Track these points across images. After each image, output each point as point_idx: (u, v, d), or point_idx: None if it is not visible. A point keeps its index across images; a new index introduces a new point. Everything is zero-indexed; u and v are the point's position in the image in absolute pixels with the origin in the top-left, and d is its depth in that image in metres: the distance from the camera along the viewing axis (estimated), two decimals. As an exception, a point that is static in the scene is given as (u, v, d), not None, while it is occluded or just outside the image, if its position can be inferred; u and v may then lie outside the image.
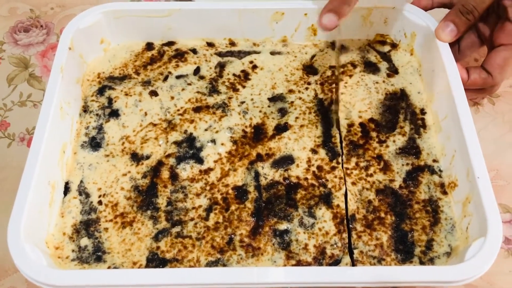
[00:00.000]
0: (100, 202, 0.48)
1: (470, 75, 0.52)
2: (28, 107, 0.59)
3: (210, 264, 0.44)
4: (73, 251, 0.45)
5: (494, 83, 0.53)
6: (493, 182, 0.53)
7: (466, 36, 0.55)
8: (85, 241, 0.45)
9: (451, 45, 0.53)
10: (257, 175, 0.49)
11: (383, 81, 0.55)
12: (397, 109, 0.53)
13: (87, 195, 0.48)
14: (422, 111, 0.53)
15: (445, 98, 0.50)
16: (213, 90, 0.55)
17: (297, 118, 0.53)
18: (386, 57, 0.58)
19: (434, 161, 0.50)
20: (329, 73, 0.56)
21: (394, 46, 0.59)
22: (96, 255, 0.45)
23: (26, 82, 0.61)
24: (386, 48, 0.59)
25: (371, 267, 0.43)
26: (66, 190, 0.48)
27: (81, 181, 0.49)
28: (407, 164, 0.50)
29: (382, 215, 0.47)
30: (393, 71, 0.57)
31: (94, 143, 0.51)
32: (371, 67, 0.57)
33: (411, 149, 0.50)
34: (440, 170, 0.49)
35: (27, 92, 0.60)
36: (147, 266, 0.44)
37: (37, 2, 0.69)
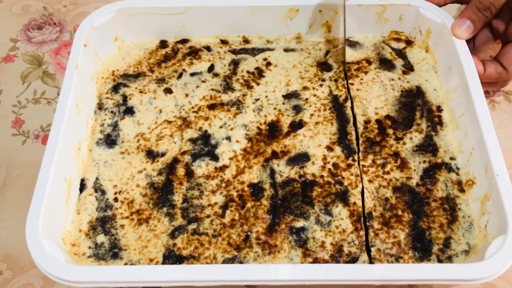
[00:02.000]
0: (116, 199, 0.48)
1: (485, 68, 0.52)
2: (42, 104, 0.59)
3: (226, 261, 0.44)
4: (89, 247, 0.45)
5: (508, 77, 0.53)
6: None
7: (480, 32, 0.55)
8: (101, 238, 0.45)
9: (466, 42, 0.52)
10: (272, 173, 0.49)
11: (399, 78, 0.55)
12: (413, 106, 0.53)
13: (103, 192, 0.48)
14: (439, 109, 0.53)
15: (463, 95, 0.50)
16: (227, 87, 0.55)
17: (312, 115, 0.52)
18: (401, 54, 0.58)
19: (452, 158, 0.49)
20: (342, 69, 0.56)
21: (409, 43, 0.58)
22: (112, 252, 0.45)
23: (40, 79, 0.61)
24: (401, 45, 0.58)
25: (389, 264, 0.42)
26: (82, 187, 0.49)
27: (97, 178, 0.49)
28: (424, 161, 0.49)
29: (399, 212, 0.46)
30: (409, 68, 0.56)
31: (109, 140, 0.51)
32: (386, 64, 0.57)
33: (428, 147, 0.50)
34: (458, 168, 0.49)
35: (41, 89, 0.60)
36: (163, 263, 0.44)
37: (50, 0, 0.69)
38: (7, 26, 0.66)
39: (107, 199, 0.48)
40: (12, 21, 0.67)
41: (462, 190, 0.48)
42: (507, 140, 0.56)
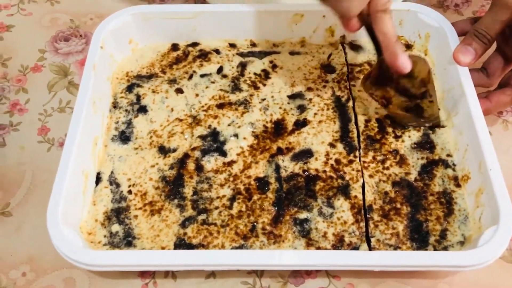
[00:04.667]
0: (130, 192, 0.50)
1: (491, 100, 0.52)
2: (67, 113, 0.61)
3: (234, 249, 0.46)
4: (104, 236, 0.48)
5: None
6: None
7: (493, 59, 0.55)
8: (116, 227, 0.48)
9: (478, 71, 0.54)
10: (277, 168, 0.51)
11: (398, 80, 0.58)
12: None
13: (118, 185, 0.51)
14: (436, 108, 0.55)
15: (457, 95, 0.52)
16: (235, 88, 0.58)
17: (315, 114, 0.55)
18: (401, 57, 0.60)
19: (448, 155, 0.52)
20: (345, 71, 0.59)
21: (408, 47, 0.61)
22: (126, 240, 0.47)
23: (66, 89, 0.63)
24: (401, 49, 0.61)
25: (387, 251, 0.45)
26: (98, 180, 0.51)
27: (112, 172, 0.52)
28: (422, 158, 0.52)
29: (398, 206, 0.49)
30: (408, 70, 0.59)
31: (124, 137, 0.54)
32: (386, 67, 0.59)
33: (425, 144, 0.53)
34: (454, 164, 0.51)
35: (66, 99, 0.62)
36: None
37: (77, 13, 0.72)
38: (36, 37, 0.69)
39: (122, 191, 0.51)
40: (41, 33, 0.69)
41: (458, 185, 0.50)
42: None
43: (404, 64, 0.48)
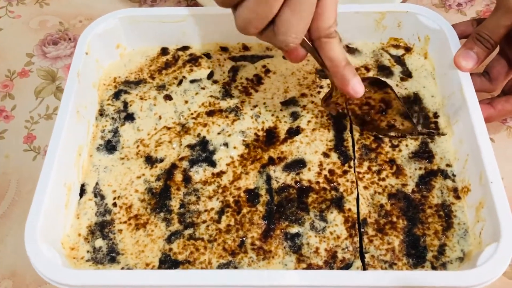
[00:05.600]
0: (114, 204, 0.49)
1: (495, 107, 0.51)
2: (54, 120, 0.59)
3: (221, 266, 0.44)
4: (88, 251, 0.46)
5: None
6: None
7: (496, 63, 0.53)
8: (99, 242, 0.46)
9: (480, 75, 0.52)
10: (268, 179, 0.49)
11: (397, 85, 0.55)
12: (410, 113, 0.53)
13: (102, 197, 0.49)
14: (435, 115, 0.53)
15: (457, 101, 0.50)
16: (226, 94, 0.56)
17: (309, 121, 0.53)
18: (399, 60, 0.58)
19: (448, 165, 0.50)
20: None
21: (408, 49, 0.59)
22: (110, 256, 0.46)
23: (53, 95, 0.62)
24: (400, 52, 0.59)
25: (382, 271, 0.43)
26: (82, 192, 0.49)
27: (97, 183, 0.50)
28: (420, 168, 0.49)
29: (394, 219, 0.47)
30: (407, 74, 0.57)
31: (110, 146, 0.52)
32: (384, 71, 0.57)
33: (423, 153, 0.50)
34: (454, 175, 0.49)
35: (53, 105, 0.61)
36: (159, 267, 0.45)
37: (67, 15, 0.70)
38: (24, 40, 0.67)
39: (106, 204, 0.49)
40: (29, 36, 0.67)
41: (458, 197, 0.48)
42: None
43: (355, 89, 0.45)
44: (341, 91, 0.47)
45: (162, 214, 0.48)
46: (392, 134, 0.51)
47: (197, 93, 0.56)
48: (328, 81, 0.56)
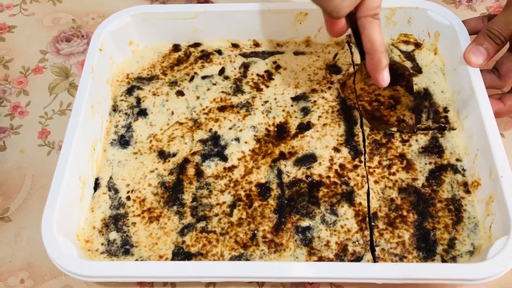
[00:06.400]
0: (128, 198, 0.49)
1: (505, 103, 0.50)
2: (67, 116, 0.59)
3: (233, 259, 0.45)
4: (102, 244, 0.47)
5: None
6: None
7: (506, 60, 0.52)
8: (113, 235, 0.47)
9: (490, 72, 0.52)
10: (279, 173, 0.50)
11: (407, 81, 0.56)
12: (420, 108, 0.53)
13: (116, 191, 0.50)
14: (445, 110, 0.53)
15: (467, 96, 0.50)
16: (237, 90, 0.56)
17: (319, 117, 0.53)
18: (410, 56, 0.58)
19: (458, 160, 0.50)
20: (351, 71, 0.57)
21: (418, 45, 0.59)
22: (124, 249, 0.46)
23: (67, 91, 0.63)
24: (410, 48, 0.59)
25: (391, 263, 0.43)
26: (96, 186, 0.50)
27: (111, 177, 0.51)
28: (430, 163, 0.50)
29: (404, 213, 0.47)
30: (417, 70, 0.57)
31: (123, 141, 0.53)
32: (394, 67, 0.57)
33: (433, 148, 0.51)
34: (464, 169, 0.49)
35: (67, 101, 0.61)
36: (172, 259, 0.45)
37: (79, 12, 0.71)
38: (38, 38, 0.68)
39: (120, 197, 0.50)
40: (43, 33, 0.68)
41: (467, 192, 0.48)
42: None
43: (384, 77, 0.46)
44: (370, 74, 0.47)
45: (175, 208, 0.48)
46: (394, 129, 0.52)
47: (208, 89, 0.57)
48: (339, 76, 0.57)
